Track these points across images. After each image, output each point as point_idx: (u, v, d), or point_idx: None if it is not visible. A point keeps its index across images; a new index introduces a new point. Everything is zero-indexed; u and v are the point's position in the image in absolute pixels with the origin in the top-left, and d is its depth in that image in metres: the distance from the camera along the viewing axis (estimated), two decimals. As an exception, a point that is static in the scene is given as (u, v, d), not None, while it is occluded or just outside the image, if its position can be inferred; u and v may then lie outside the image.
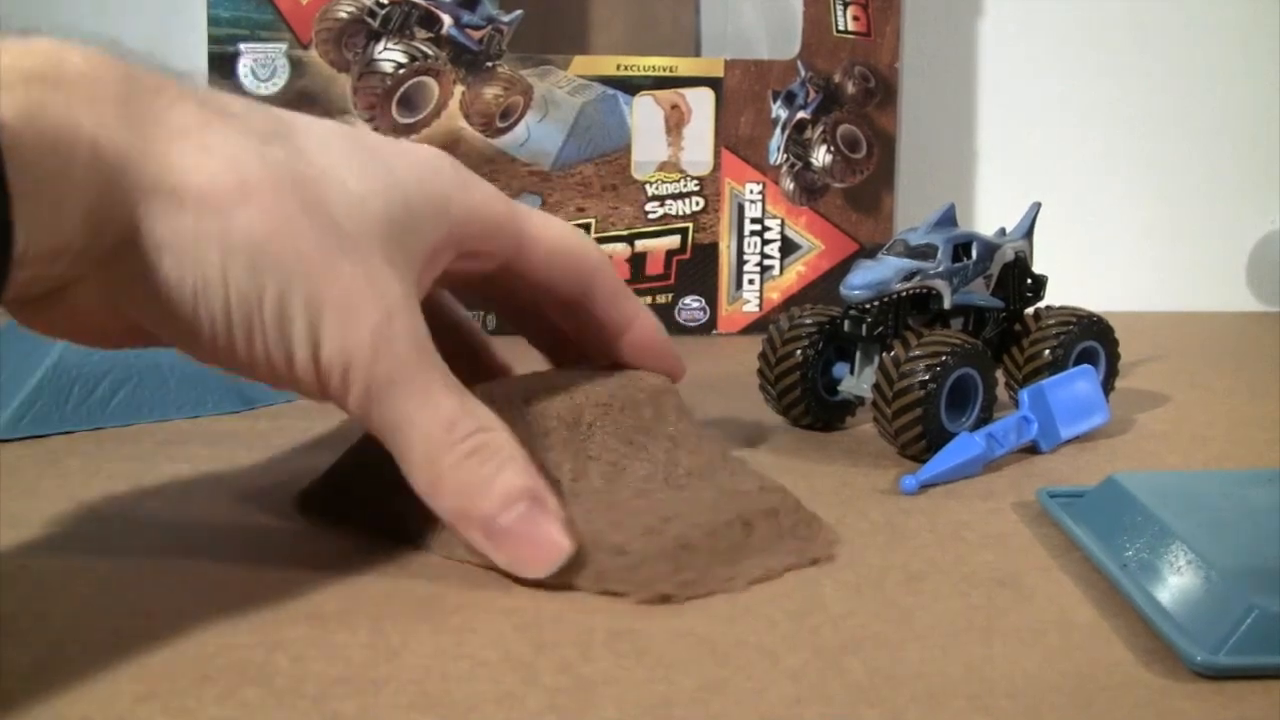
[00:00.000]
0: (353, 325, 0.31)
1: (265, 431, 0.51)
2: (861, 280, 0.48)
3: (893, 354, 0.47)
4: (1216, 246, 0.89)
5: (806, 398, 0.51)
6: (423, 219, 0.33)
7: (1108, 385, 0.54)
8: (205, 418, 0.53)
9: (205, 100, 0.31)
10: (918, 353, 0.46)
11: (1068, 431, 0.49)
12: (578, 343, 0.40)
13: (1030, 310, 0.54)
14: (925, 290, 0.49)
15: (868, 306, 0.48)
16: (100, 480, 0.45)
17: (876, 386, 0.47)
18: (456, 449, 0.32)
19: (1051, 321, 0.53)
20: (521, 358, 0.44)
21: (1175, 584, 0.33)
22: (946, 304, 0.49)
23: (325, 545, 0.38)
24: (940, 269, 0.49)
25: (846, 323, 0.50)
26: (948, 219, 0.51)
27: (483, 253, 0.36)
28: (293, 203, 0.30)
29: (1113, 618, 0.33)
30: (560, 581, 0.34)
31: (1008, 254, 0.53)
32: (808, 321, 0.51)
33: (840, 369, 0.52)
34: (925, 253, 0.49)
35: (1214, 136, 0.88)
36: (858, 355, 0.51)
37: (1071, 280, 0.77)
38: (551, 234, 0.37)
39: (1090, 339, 0.53)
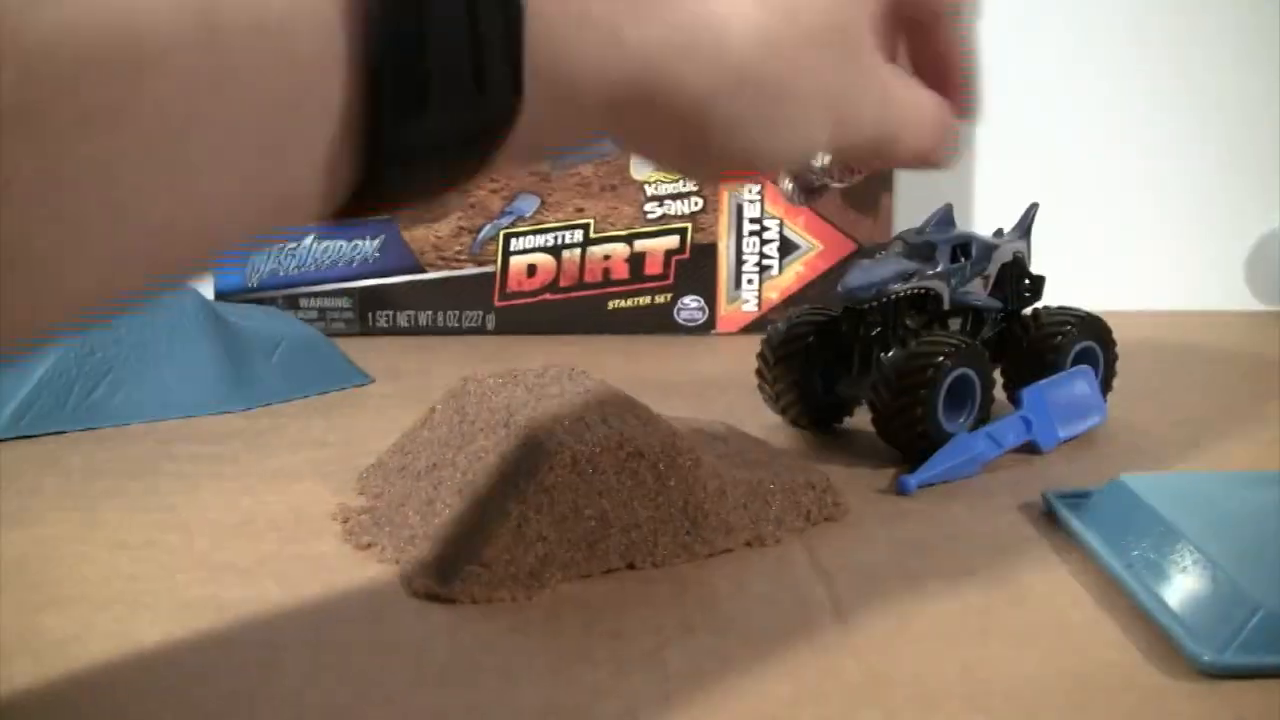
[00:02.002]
0: (863, 112, 0.34)
1: (265, 430, 0.51)
2: (860, 281, 0.48)
3: (891, 354, 0.47)
4: (1216, 246, 0.89)
5: (805, 397, 0.51)
6: None
7: (1105, 385, 0.54)
8: (205, 417, 0.53)
9: None
10: (916, 353, 0.46)
11: (1065, 431, 0.49)
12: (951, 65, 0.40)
13: (1028, 310, 0.54)
14: (923, 291, 0.49)
15: (866, 307, 0.49)
16: (100, 479, 0.45)
17: (875, 387, 0.47)
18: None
19: (1049, 322, 0.53)
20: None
21: (1181, 585, 0.33)
22: (945, 304, 0.49)
23: (323, 544, 0.39)
24: (938, 269, 0.49)
25: (845, 323, 0.50)
26: (946, 220, 0.51)
27: None
28: (808, 39, 0.32)
29: (1110, 618, 0.33)
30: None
31: (1006, 254, 0.53)
32: (806, 321, 0.52)
33: (838, 369, 0.52)
34: (923, 253, 0.49)
35: (1213, 136, 0.88)
36: (856, 355, 0.51)
37: (1071, 280, 0.77)
38: None
39: (1088, 339, 0.53)
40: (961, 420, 0.48)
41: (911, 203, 0.76)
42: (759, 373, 0.52)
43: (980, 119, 0.40)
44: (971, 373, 0.48)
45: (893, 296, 0.48)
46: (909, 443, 0.47)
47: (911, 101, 0.36)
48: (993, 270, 0.52)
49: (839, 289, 0.49)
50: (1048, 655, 0.31)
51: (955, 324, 0.52)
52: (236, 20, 0.21)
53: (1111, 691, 0.29)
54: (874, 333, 0.49)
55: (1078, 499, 0.41)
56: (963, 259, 0.50)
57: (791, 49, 0.31)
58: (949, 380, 0.47)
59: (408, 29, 0.23)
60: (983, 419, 0.48)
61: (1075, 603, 0.35)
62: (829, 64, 0.33)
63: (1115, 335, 0.54)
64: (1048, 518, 0.41)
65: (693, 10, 0.29)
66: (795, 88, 0.32)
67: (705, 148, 0.31)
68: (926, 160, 0.38)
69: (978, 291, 0.51)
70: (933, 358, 0.46)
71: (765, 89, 0.31)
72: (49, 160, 0.20)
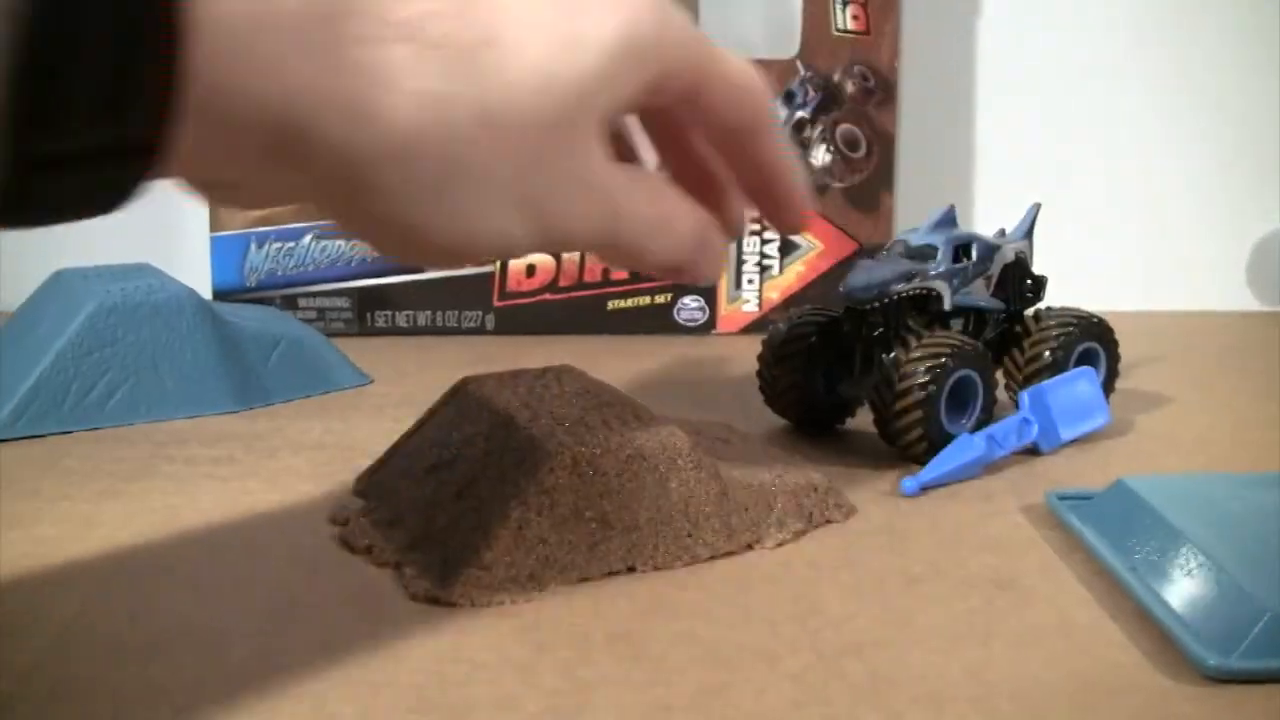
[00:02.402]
0: (579, 214, 0.33)
1: (263, 431, 0.51)
2: (861, 281, 0.48)
3: (893, 355, 0.47)
4: (1217, 246, 0.88)
5: (806, 398, 0.51)
6: (618, 79, 0.32)
7: (1108, 386, 0.54)
8: (203, 417, 0.53)
9: (402, 33, 0.29)
10: (918, 354, 0.46)
11: (1068, 433, 0.49)
12: (728, 180, 0.39)
13: (1030, 311, 0.54)
14: (925, 291, 0.49)
15: (868, 307, 0.48)
16: (98, 480, 0.44)
17: (876, 388, 0.47)
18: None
19: (1052, 323, 0.53)
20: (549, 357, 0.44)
21: (1186, 587, 0.33)
22: (947, 305, 0.49)
23: (324, 546, 0.38)
24: (940, 270, 0.49)
25: (846, 323, 0.50)
26: (948, 220, 0.51)
27: (667, 90, 0.35)
28: (491, 133, 0.30)
29: (1115, 620, 0.33)
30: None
31: (1008, 255, 0.53)
32: (807, 322, 0.51)
33: (840, 370, 0.51)
34: (925, 254, 0.49)
35: (1214, 136, 0.88)
36: (857, 356, 0.51)
37: (1072, 280, 0.77)
38: (732, 69, 0.36)
39: (1090, 340, 0.53)
40: (964, 421, 0.48)
41: (912, 203, 0.76)
42: (760, 374, 0.52)
43: (804, 230, 0.38)
44: (974, 374, 0.47)
45: (895, 297, 0.48)
46: (911, 444, 0.46)
47: (654, 216, 0.35)
48: (995, 271, 0.52)
49: (841, 289, 0.49)
50: (1052, 658, 0.31)
51: (957, 325, 0.51)
52: None
53: (1116, 694, 0.29)
54: (876, 333, 0.49)
55: (1080, 501, 0.41)
56: (965, 259, 0.50)
57: (477, 133, 0.29)
58: (951, 382, 0.46)
59: (58, 46, 0.23)
60: (985, 420, 0.48)
61: (1079, 605, 0.34)
62: (527, 160, 0.31)
63: (1117, 336, 0.54)
64: (1050, 519, 0.41)
65: (359, 61, 0.28)
66: (473, 173, 0.30)
67: (369, 214, 0.30)
68: (679, 275, 0.36)
69: (980, 292, 0.51)
70: (935, 359, 0.46)
71: (432, 166, 0.29)
72: None
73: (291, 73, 0.27)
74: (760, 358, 0.52)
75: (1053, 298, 0.55)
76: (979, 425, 0.48)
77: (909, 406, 0.46)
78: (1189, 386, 0.61)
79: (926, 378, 0.46)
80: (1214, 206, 0.89)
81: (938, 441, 0.46)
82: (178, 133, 0.25)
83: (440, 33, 0.29)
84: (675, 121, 0.38)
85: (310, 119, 0.27)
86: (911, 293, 0.49)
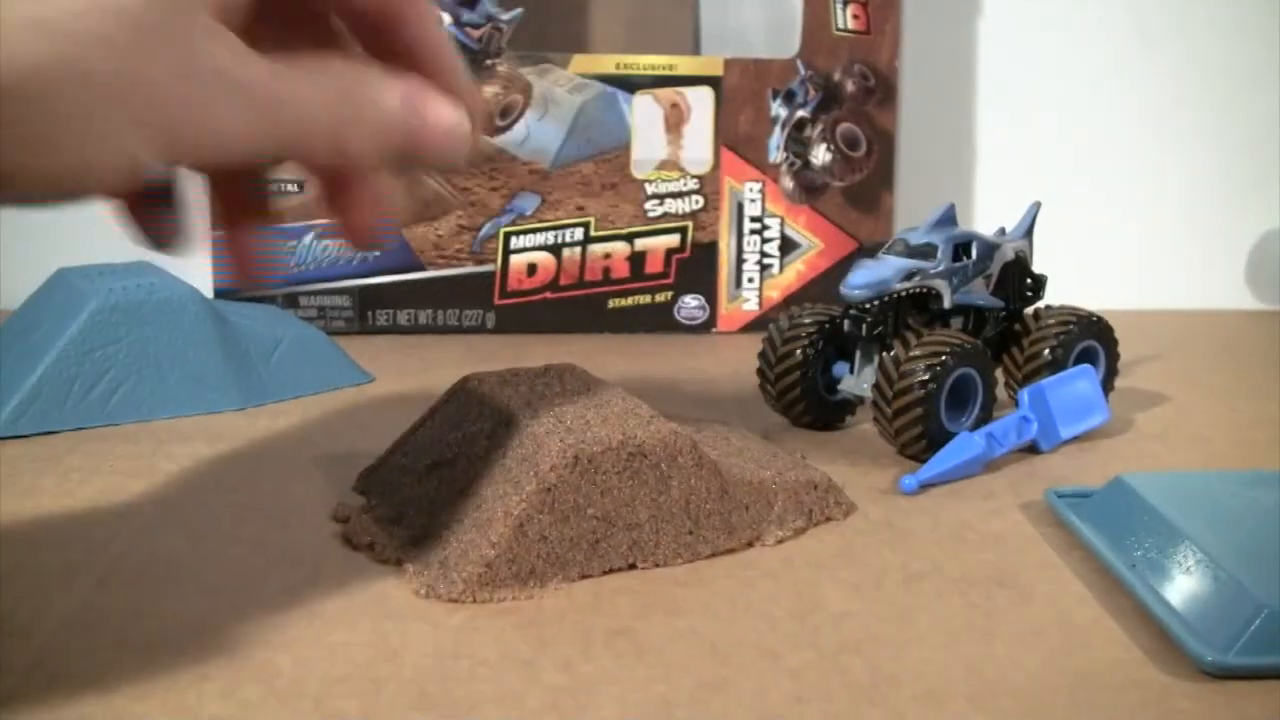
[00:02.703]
0: (219, 115, 0.28)
1: (265, 429, 0.51)
2: (861, 280, 0.48)
3: (893, 354, 0.47)
4: (1216, 245, 0.89)
5: (806, 397, 0.51)
6: None
7: (1107, 385, 0.54)
8: (205, 415, 0.53)
9: None
10: (917, 353, 0.46)
11: (1067, 431, 0.49)
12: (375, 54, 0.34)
13: (1030, 310, 0.54)
14: (925, 290, 0.49)
15: (868, 306, 0.48)
16: (100, 478, 0.45)
17: (876, 386, 0.47)
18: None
19: (1051, 321, 0.53)
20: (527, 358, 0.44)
21: (1184, 584, 0.33)
22: (947, 303, 0.49)
23: (325, 545, 0.38)
24: (940, 269, 0.49)
25: (846, 322, 0.50)
26: (948, 219, 0.51)
27: None
28: (76, 34, 0.26)
29: (1114, 617, 0.33)
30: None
31: (1008, 253, 0.53)
32: (807, 321, 0.52)
33: (840, 368, 0.52)
34: (925, 252, 0.49)
35: (1214, 135, 0.88)
36: (858, 355, 0.51)
37: (1072, 279, 0.77)
38: None
39: (1090, 339, 0.53)
40: (963, 420, 0.48)
41: (912, 202, 0.76)
42: (760, 372, 0.52)
43: (480, 109, 0.34)
44: (973, 372, 0.47)
45: (894, 296, 0.48)
46: (910, 442, 0.47)
47: (335, 97, 0.31)
48: (995, 269, 0.52)
49: (841, 288, 0.49)
50: (1051, 654, 0.31)
51: (957, 323, 0.51)
52: None
53: (1115, 691, 0.29)
54: (875, 332, 0.49)
55: (1080, 498, 0.41)
56: (965, 258, 0.50)
57: (56, 43, 0.25)
58: (951, 380, 0.46)
59: None
60: (985, 418, 0.48)
61: (1079, 602, 0.35)
62: (131, 62, 0.27)
63: (1117, 334, 0.54)
64: (1050, 517, 0.41)
65: None
66: (66, 94, 0.26)
67: None
68: (410, 160, 0.32)
69: (979, 291, 0.51)
70: (935, 358, 0.46)
71: (15, 97, 0.25)
72: None
73: None
74: (761, 356, 0.52)
75: (1054, 296, 0.56)
76: (978, 423, 0.48)
77: (908, 405, 0.46)
78: (1188, 385, 0.62)
79: (926, 376, 0.46)
80: (1214, 205, 0.89)
81: (937, 439, 0.46)
82: None
83: None
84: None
85: None
86: (911, 291, 0.49)
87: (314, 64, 0.31)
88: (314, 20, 0.33)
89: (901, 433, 0.47)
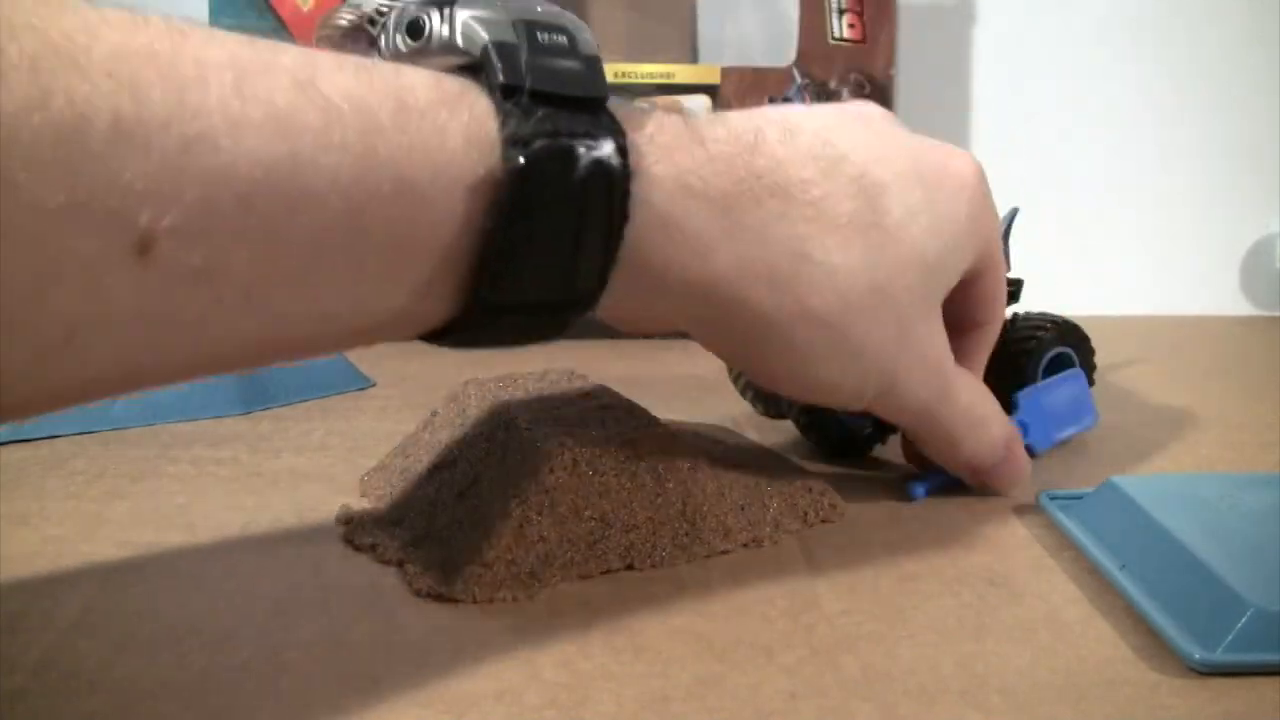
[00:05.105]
0: (917, 385, 0.38)
1: (268, 433, 0.52)
2: None
3: None
4: (1211, 250, 0.89)
5: (763, 395, 0.53)
6: (962, 254, 0.37)
7: (1084, 390, 0.54)
8: (208, 420, 0.53)
9: (814, 214, 0.33)
10: None
11: (1060, 434, 0.50)
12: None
13: (1006, 314, 0.54)
14: None
15: None
16: (104, 482, 0.45)
17: None
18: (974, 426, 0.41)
19: (1024, 326, 0.52)
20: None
21: (1173, 584, 0.34)
22: None
23: (325, 545, 0.39)
24: None
25: None
26: None
27: (972, 271, 0.39)
28: (877, 305, 0.35)
29: (1104, 616, 0.34)
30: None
31: None
32: None
33: None
34: None
35: (1209, 141, 0.88)
36: None
37: (1066, 284, 0.77)
38: (999, 255, 0.41)
39: (1063, 345, 0.52)
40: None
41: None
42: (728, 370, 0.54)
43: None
44: None
45: None
46: (823, 440, 0.48)
47: (975, 411, 0.39)
48: None
49: None
50: (1042, 652, 0.32)
51: None
52: (381, 184, 0.25)
53: (1104, 687, 0.30)
54: None
55: (1071, 500, 0.42)
56: None
57: (866, 303, 0.33)
58: None
59: (521, 224, 0.27)
60: None
61: (1069, 601, 0.35)
62: (894, 330, 0.35)
63: (1111, 339, 0.55)
64: (1042, 519, 0.42)
65: (781, 236, 0.32)
66: (856, 339, 0.34)
67: (767, 358, 0.35)
68: (983, 477, 0.41)
69: None
70: None
71: (831, 330, 0.33)
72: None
73: (718, 248, 0.31)
74: None
75: (1049, 301, 0.56)
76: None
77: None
78: (1182, 389, 0.62)
79: None
80: (1209, 211, 0.90)
81: (840, 437, 0.47)
82: (610, 291, 0.30)
83: (841, 212, 0.33)
84: None
85: (733, 285, 0.32)
86: None
87: (966, 371, 0.40)
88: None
89: (799, 418, 0.48)
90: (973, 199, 0.37)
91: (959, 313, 0.40)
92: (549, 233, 0.27)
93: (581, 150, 0.27)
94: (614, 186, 0.28)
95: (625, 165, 0.28)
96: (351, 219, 0.25)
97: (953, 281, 0.37)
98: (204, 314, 0.25)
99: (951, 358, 0.38)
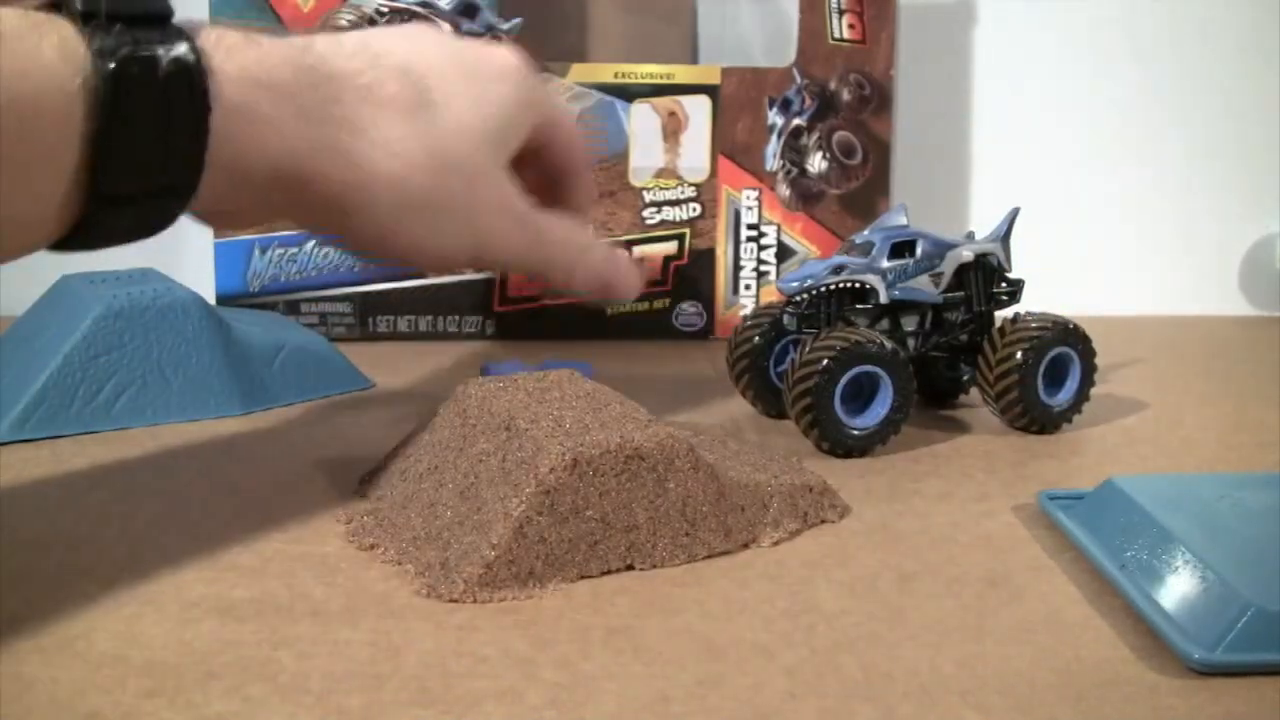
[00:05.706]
0: (507, 233, 0.42)
1: (268, 434, 0.52)
2: (793, 275, 0.52)
3: (806, 346, 0.49)
4: (1210, 251, 0.89)
5: (756, 383, 0.55)
6: (516, 127, 0.43)
7: (1084, 390, 0.53)
8: (207, 420, 0.53)
9: (365, 95, 0.38)
10: (815, 347, 0.48)
11: None
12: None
13: (1008, 314, 0.54)
14: (857, 285, 0.50)
15: (798, 299, 0.51)
16: (105, 481, 0.45)
17: (783, 375, 0.51)
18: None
19: (1024, 326, 0.52)
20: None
21: (1173, 584, 0.34)
22: (882, 298, 0.51)
23: (328, 546, 0.39)
24: (872, 265, 0.51)
25: (784, 315, 0.53)
26: (894, 218, 0.53)
27: (537, 135, 0.44)
28: (439, 168, 0.40)
29: (1103, 616, 0.34)
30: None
31: (963, 255, 0.53)
32: (759, 319, 0.55)
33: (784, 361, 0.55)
34: (864, 250, 0.52)
35: (1208, 142, 0.88)
36: (798, 351, 0.52)
37: (1066, 284, 0.77)
38: (569, 119, 0.47)
39: (1063, 345, 0.52)
40: (881, 414, 0.49)
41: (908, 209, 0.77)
42: (725, 358, 0.56)
43: (590, 213, 0.47)
44: (878, 370, 0.48)
45: (825, 290, 0.51)
46: (807, 430, 0.49)
47: (573, 243, 0.44)
48: (946, 269, 0.52)
49: (776, 283, 0.52)
50: (1041, 652, 0.32)
51: (911, 320, 0.53)
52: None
53: (1104, 687, 0.30)
54: (807, 325, 0.52)
55: (1071, 500, 0.42)
56: (907, 256, 0.52)
57: (427, 168, 0.39)
58: (845, 379, 0.48)
59: (123, 120, 0.32)
60: (896, 418, 0.49)
61: (1069, 602, 0.35)
62: (463, 192, 0.40)
63: (1111, 339, 0.55)
64: (1041, 519, 0.42)
65: (339, 116, 0.37)
66: (426, 202, 0.39)
67: (348, 229, 0.39)
68: (608, 295, 0.46)
69: (926, 288, 0.52)
70: (828, 353, 0.48)
71: (397, 194, 0.38)
72: None
73: (289, 130, 0.36)
74: (727, 343, 0.56)
75: (1049, 302, 0.56)
76: (889, 423, 0.49)
77: (807, 406, 0.48)
78: (1181, 390, 0.62)
79: (814, 375, 0.48)
80: (1208, 211, 0.90)
81: (835, 436, 0.48)
82: (204, 177, 0.34)
83: (389, 94, 0.39)
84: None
85: (308, 161, 0.37)
86: (839, 286, 0.50)
87: (557, 214, 0.44)
88: (539, 172, 0.45)
89: (799, 419, 0.49)
90: (516, 80, 0.42)
91: (551, 167, 0.45)
92: (146, 125, 0.32)
93: (161, 52, 0.32)
94: (194, 79, 0.33)
95: (199, 61, 0.33)
96: None
97: (513, 145, 0.42)
98: None
99: (533, 207, 0.43)
